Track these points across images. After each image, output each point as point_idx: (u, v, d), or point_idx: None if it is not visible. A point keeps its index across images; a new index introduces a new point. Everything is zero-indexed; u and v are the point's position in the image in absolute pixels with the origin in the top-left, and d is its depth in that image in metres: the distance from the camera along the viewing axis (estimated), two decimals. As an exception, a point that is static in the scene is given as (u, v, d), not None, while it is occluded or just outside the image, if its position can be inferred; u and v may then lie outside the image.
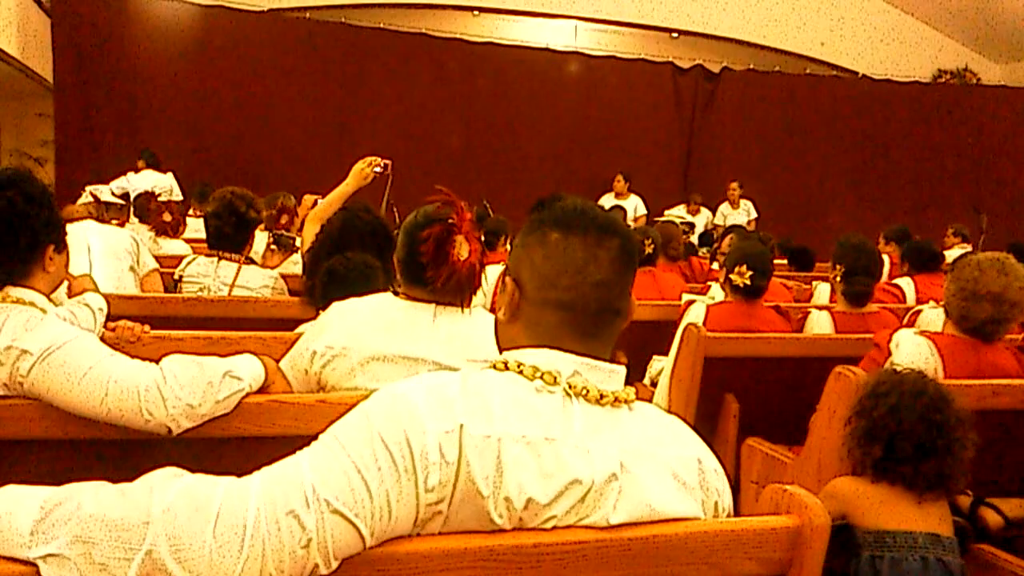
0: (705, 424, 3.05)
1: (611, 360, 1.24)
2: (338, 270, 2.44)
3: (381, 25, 10.66)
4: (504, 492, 1.08)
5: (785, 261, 6.59)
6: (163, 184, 8.30)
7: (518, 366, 1.19)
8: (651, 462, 1.18)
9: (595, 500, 1.13)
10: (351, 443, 1.06)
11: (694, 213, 10.19)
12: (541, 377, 1.17)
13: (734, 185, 10.29)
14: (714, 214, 10.31)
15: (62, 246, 1.97)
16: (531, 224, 1.26)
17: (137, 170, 8.46)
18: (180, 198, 8.11)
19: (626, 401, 1.22)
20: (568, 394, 1.17)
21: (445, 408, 1.09)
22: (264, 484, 1.02)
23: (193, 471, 1.06)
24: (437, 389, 1.12)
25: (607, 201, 10.13)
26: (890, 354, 2.60)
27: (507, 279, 1.26)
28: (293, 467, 1.05)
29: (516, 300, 1.24)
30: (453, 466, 1.06)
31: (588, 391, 1.18)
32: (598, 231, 1.22)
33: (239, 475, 1.04)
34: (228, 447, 1.78)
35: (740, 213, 10.22)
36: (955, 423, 1.84)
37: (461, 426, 1.07)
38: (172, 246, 5.20)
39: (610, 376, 1.22)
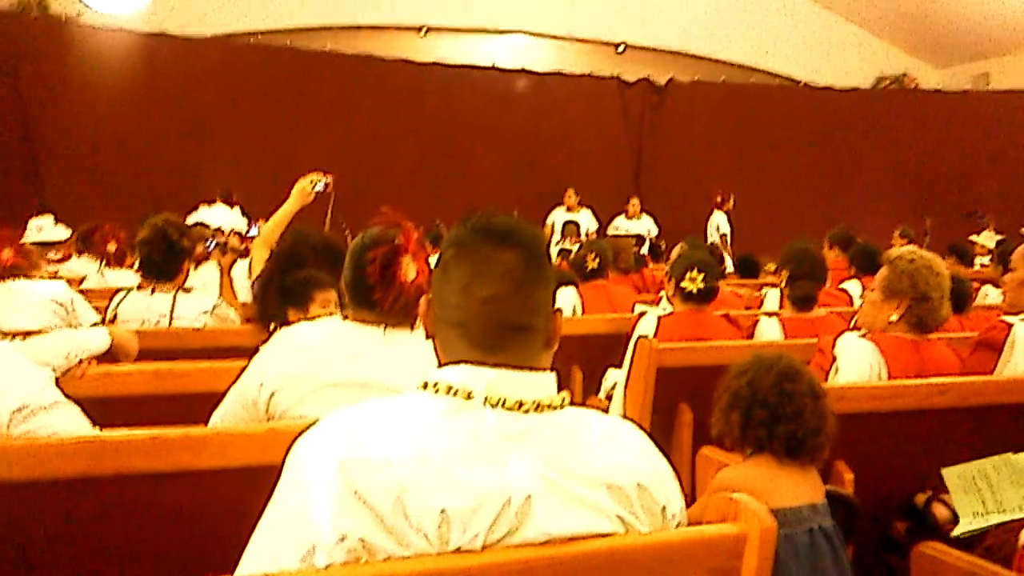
0: (660, 434, 3.06)
1: (558, 373, 1.24)
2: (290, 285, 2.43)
3: (328, 47, 10.64)
4: (417, 516, 1.08)
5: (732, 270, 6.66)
6: (235, 222, 8.12)
7: (434, 385, 1.20)
8: (578, 471, 1.17)
9: (522, 513, 1.12)
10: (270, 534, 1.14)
11: (633, 217, 10.36)
12: (455, 394, 1.18)
13: (635, 200, 10.55)
14: (658, 224, 10.44)
15: None
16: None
17: (211, 203, 8.34)
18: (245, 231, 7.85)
19: (551, 407, 1.20)
20: (484, 406, 1.17)
21: (331, 464, 1.11)
22: None
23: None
24: (328, 442, 1.15)
25: (559, 215, 10.21)
26: (834, 359, 2.65)
27: (424, 298, 1.30)
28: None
29: (431, 319, 1.28)
30: (353, 516, 1.08)
31: (505, 400, 1.17)
32: (492, 245, 1.21)
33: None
34: (178, 482, 1.75)
35: (639, 225, 10.42)
36: (805, 391, 1.97)
37: (344, 466, 1.10)
38: (119, 277, 5.08)
39: (532, 384, 1.20)
